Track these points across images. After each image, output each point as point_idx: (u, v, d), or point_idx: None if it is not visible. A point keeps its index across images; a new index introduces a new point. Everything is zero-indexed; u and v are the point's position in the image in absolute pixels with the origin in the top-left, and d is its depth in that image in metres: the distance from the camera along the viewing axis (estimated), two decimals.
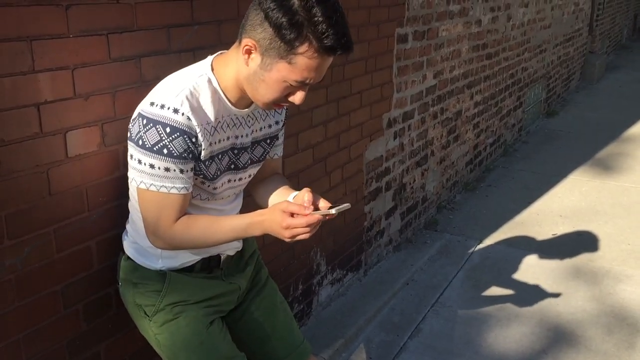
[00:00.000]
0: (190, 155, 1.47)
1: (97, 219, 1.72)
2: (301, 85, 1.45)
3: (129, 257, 1.68)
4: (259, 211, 1.54)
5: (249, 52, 1.43)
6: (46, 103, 1.53)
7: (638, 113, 6.90)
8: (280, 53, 1.39)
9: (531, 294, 3.29)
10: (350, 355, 2.80)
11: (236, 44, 1.49)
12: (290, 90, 1.46)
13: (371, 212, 3.34)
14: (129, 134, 1.48)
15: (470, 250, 3.79)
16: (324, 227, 2.87)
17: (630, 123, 6.53)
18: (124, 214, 1.76)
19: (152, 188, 1.46)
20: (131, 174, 1.49)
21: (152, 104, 1.44)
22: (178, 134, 1.43)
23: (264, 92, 1.47)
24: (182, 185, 1.48)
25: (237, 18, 2.10)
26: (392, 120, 3.38)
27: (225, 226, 1.54)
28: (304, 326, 2.89)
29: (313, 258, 2.89)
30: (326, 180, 2.87)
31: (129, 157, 1.49)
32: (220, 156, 1.56)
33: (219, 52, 1.57)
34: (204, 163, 1.52)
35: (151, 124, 1.42)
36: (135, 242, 1.66)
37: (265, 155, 1.73)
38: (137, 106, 1.50)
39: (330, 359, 2.73)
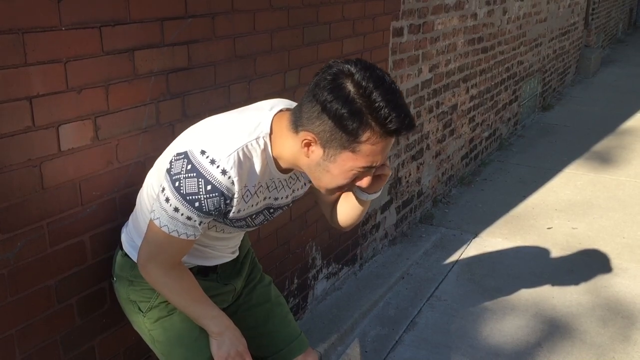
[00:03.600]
0: (217, 212, 1.46)
1: (91, 213, 1.71)
2: (368, 169, 1.43)
3: (126, 254, 1.66)
4: (227, 317, 1.64)
5: (308, 145, 1.39)
6: (38, 96, 1.52)
7: (633, 107, 6.92)
8: (342, 144, 1.36)
9: (526, 288, 3.30)
10: (345, 349, 2.80)
11: (291, 131, 1.42)
12: (357, 175, 1.44)
13: None
14: (169, 166, 1.44)
15: (466, 244, 3.79)
16: (319, 222, 2.88)
17: (625, 117, 6.54)
18: (118, 208, 1.76)
19: (164, 229, 1.45)
20: (153, 203, 1.49)
21: (203, 152, 1.40)
22: (217, 194, 1.40)
23: (329, 181, 1.44)
24: (192, 233, 1.47)
25: (231, 11, 2.09)
26: None
27: (200, 305, 1.60)
28: (299, 320, 2.89)
29: (308, 252, 2.89)
30: None
31: (160, 188, 1.47)
32: (254, 216, 1.57)
33: (280, 108, 1.50)
34: (230, 220, 1.52)
35: (194, 174, 1.39)
36: (134, 240, 1.65)
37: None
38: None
39: (325, 352, 2.73)
